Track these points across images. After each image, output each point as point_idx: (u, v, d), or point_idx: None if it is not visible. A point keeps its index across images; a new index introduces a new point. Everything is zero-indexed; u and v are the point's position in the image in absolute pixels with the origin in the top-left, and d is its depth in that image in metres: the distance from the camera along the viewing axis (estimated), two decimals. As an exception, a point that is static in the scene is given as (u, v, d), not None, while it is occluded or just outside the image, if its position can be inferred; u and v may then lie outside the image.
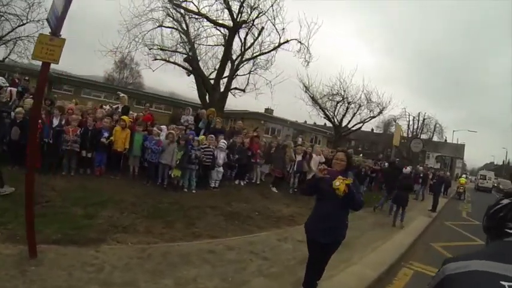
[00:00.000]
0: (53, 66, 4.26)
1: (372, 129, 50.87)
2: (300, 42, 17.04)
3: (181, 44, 17.21)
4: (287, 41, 16.99)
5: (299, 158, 12.09)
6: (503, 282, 1.03)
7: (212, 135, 10.34)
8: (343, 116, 23.48)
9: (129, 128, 9.24)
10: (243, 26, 16.56)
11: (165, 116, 25.51)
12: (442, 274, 1.20)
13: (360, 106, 23.14)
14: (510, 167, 73.58)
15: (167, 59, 17.28)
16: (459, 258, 1.21)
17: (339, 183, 3.57)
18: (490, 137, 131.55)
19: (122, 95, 11.68)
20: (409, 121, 41.64)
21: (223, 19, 16.50)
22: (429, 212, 14.05)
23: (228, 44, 16.70)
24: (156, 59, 16.92)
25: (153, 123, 11.06)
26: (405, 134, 41.74)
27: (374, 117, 23.41)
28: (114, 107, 11.50)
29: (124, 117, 9.52)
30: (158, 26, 16.11)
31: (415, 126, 42.29)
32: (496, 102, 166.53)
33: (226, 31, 16.94)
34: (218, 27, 16.98)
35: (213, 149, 9.96)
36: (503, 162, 75.60)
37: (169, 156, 8.97)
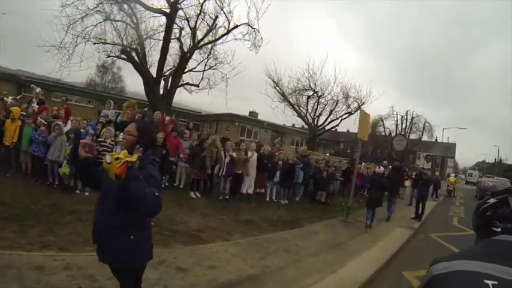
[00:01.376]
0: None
1: (361, 131, 48.64)
2: (249, 25, 15.23)
3: (130, 38, 15.25)
4: (236, 26, 15.20)
5: (228, 159, 9.58)
6: (486, 281, 1.04)
7: (109, 128, 8.75)
8: (315, 112, 20.34)
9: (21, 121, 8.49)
10: (179, 8, 14.73)
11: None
12: (429, 274, 1.21)
13: (337, 102, 20.25)
14: (502, 164, 72.17)
15: (120, 55, 15.38)
16: (446, 258, 1.23)
17: (110, 160, 2.13)
18: (482, 135, 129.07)
19: (37, 90, 10.89)
20: (397, 120, 39.24)
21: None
22: (412, 221, 11.13)
23: (166, 33, 14.72)
24: (109, 56, 15.47)
25: (67, 118, 9.78)
26: (393, 134, 39.15)
27: (351, 113, 20.38)
28: (18, 97, 11.16)
29: (13, 108, 8.74)
30: (105, 20, 14.09)
31: (404, 126, 39.38)
32: (487, 100, 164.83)
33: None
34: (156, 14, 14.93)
35: (111, 144, 8.24)
36: (495, 160, 74.13)
37: (57, 151, 7.90)
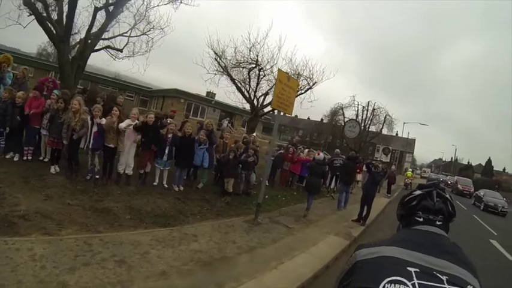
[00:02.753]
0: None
1: (322, 119, 46.57)
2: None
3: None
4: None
5: (96, 127, 6.88)
6: (409, 268, 1.08)
7: None
8: (257, 87, 17.08)
9: None
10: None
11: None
12: (353, 260, 1.23)
13: None
14: (458, 163, 73.51)
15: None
16: (370, 244, 1.26)
17: None
18: (440, 134, 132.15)
19: None
20: (357, 111, 36.46)
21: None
22: (354, 225, 8.52)
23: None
24: (31, 14, 12.50)
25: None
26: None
27: (301, 93, 17.32)
28: None
29: None
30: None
31: (364, 117, 37.01)
32: (448, 101, 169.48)
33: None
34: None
35: None
36: (452, 158, 75.70)
37: None
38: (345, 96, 56.88)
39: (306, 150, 13.35)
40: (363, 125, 36.47)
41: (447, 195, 1.38)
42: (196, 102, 28.07)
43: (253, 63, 15.88)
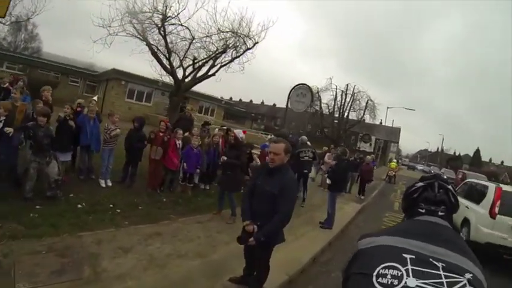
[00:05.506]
0: None
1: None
2: None
3: None
4: None
5: None
6: (405, 255, 1.07)
7: None
8: (182, 56, 11.36)
9: None
10: None
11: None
12: (356, 249, 1.24)
13: (226, 46, 11.59)
14: (444, 154, 68.63)
15: None
16: (372, 234, 1.26)
17: None
18: (426, 122, 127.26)
19: None
20: (336, 95, 30.86)
21: None
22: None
23: None
24: None
25: None
26: (331, 111, 31.75)
27: (237, 56, 11.77)
28: None
29: None
30: None
31: (343, 101, 31.45)
32: (435, 87, 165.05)
33: None
34: None
35: None
36: (438, 149, 71.28)
37: None
38: (321, 79, 50.79)
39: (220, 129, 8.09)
40: (341, 110, 31.28)
41: (449, 186, 1.34)
42: (141, 84, 22.47)
43: (158, 14, 10.33)
